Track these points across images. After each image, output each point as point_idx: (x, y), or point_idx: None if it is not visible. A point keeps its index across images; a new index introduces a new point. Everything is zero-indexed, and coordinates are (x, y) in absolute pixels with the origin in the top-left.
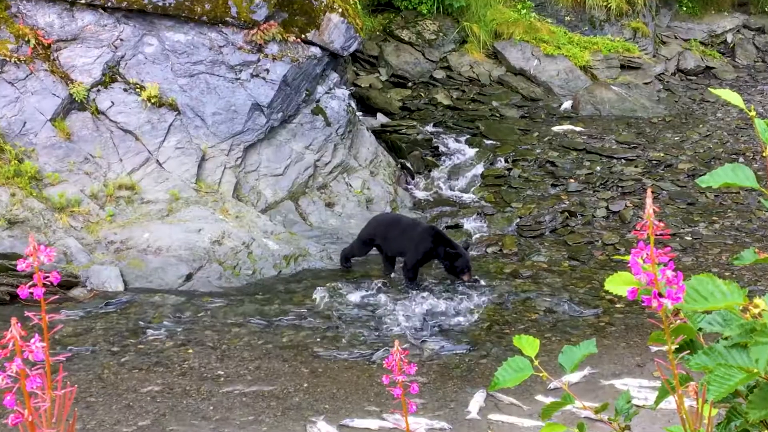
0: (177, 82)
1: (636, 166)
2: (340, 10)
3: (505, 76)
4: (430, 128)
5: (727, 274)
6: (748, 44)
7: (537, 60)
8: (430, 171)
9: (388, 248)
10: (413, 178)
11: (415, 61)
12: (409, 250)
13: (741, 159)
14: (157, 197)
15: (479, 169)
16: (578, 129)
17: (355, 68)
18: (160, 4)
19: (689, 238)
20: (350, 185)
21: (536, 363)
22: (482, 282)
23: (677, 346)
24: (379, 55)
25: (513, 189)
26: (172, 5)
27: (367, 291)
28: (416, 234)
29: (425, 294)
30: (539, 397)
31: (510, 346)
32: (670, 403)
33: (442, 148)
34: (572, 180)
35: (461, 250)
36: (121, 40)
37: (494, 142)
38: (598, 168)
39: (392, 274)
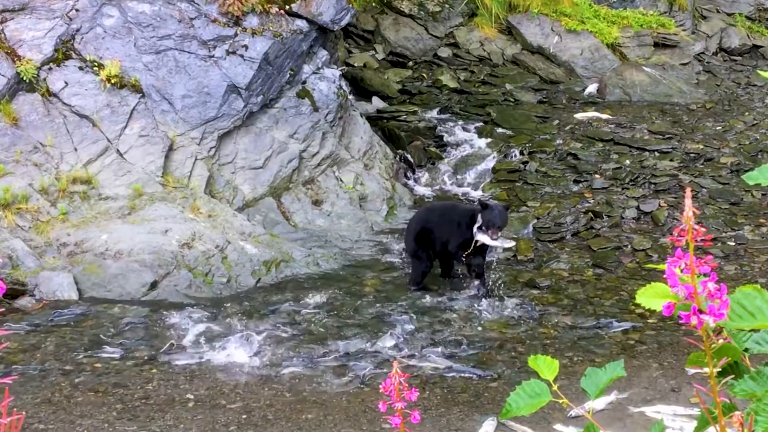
0: (141, 60)
1: (671, 160)
2: None
3: (521, 55)
4: (433, 115)
5: None
6: None
7: (557, 36)
8: (433, 164)
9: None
10: (414, 172)
11: (417, 36)
12: (451, 236)
13: None
14: (117, 193)
15: (490, 162)
16: (604, 116)
17: (347, 45)
18: None
19: (732, 244)
20: (341, 180)
21: (555, 387)
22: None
23: (719, 370)
24: (375, 29)
25: (529, 185)
26: None
27: (359, 302)
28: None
29: (428, 307)
30: (558, 427)
31: (525, 368)
32: None
33: (447, 138)
34: (597, 175)
35: (494, 204)
36: (77, 10)
37: (508, 131)
38: (628, 162)
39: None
